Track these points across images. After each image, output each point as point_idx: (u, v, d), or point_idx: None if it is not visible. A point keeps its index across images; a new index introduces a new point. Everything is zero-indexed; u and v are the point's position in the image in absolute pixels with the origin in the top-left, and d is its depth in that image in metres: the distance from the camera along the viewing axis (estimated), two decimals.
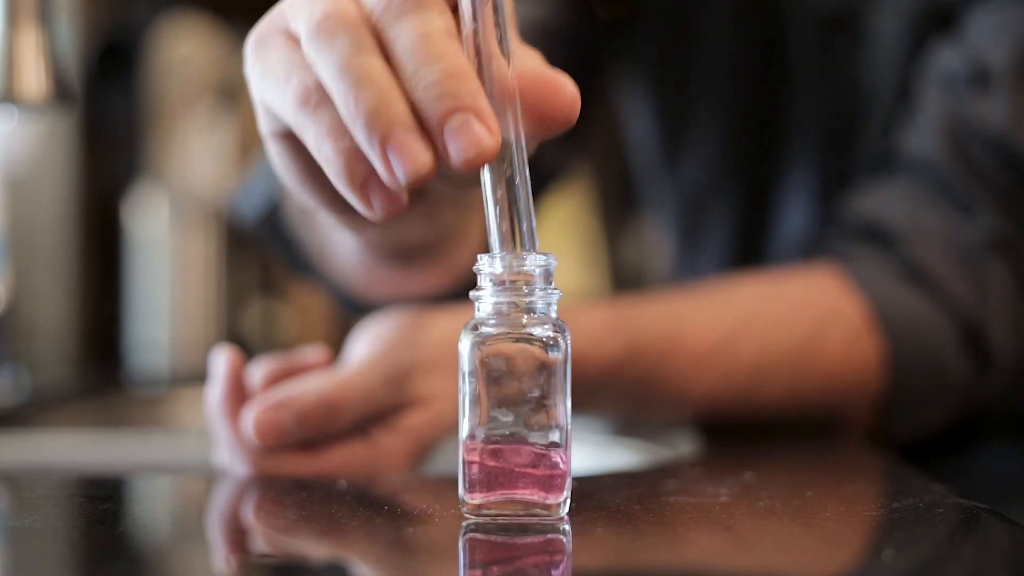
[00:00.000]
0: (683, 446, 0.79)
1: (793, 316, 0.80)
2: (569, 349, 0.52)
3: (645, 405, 0.79)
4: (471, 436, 0.52)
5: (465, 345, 0.52)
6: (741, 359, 0.79)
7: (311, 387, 0.66)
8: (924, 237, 0.82)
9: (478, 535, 0.51)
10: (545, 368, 0.51)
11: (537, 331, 0.51)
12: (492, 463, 0.51)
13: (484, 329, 0.52)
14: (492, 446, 0.51)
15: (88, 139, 1.71)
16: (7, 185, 1.52)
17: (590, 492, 0.60)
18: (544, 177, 0.94)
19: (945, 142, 0.83)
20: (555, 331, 0.52)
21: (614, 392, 0.77)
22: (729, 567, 0.49)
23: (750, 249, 1.00)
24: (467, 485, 0.52)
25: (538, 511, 0.51)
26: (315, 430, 0.66)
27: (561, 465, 0.52)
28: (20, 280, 1.50)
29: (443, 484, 0.68)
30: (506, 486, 0.51)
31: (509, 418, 0.51)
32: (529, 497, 0.51)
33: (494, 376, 0.51)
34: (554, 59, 0.98)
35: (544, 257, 0.52)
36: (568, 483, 0.52)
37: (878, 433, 0.82)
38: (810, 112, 0.96)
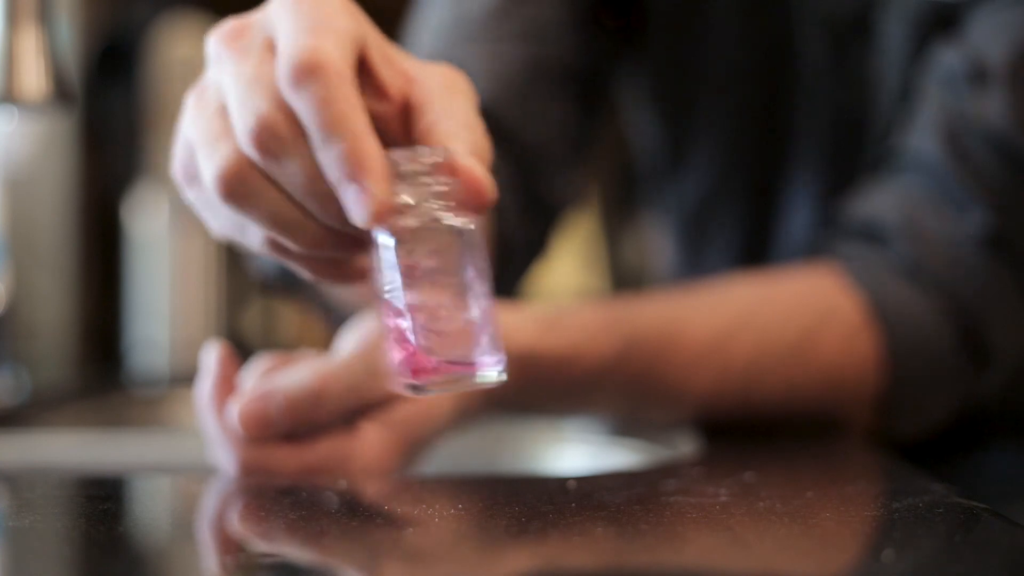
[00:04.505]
0: (683, 446, 0.79)
1: (790, 313, 0.81)
2: (479, 227, 0.55)
3: (642, 403, 0.79)
4: (398, 325, 0.54)
5: (382, 238, 0.54)
6: (738, 356, 0.79)
7: (296, 377, 0.66)
8: (921, 235, 0.82)
9: (477, 537, 0.51)
10: (461, 248, 0.54)
11: (448, 215, 0.54)
12: (424, 347, 0.53)
13: (400, 220, 0.54)
14: (421, 331, 0.53)
15: (88, 139, 1.71)
16: (7, 185, 1.52)
17: (590, 492, 0.60)
18: (559, 205, 0.95)
19: (944, 140, 0.83)
20: (463, 212, 0.54)
21: (611, 390, 0.77)
22: (729, 567, 0.49)
23: (755, 255, 1.00)
24: (404, 372, 0.54)
25: (476, 380, 0.54)
26: (300, 420, 0.66)
27: (488, 334, 0.54)
28: (20, 280, 1.50)
29: (440, 485, 0.68)
30: (442, 365, 0.54)
31: (433, 301, 0.54)
32: (464, 370, 0.54)
33: (412, 263, 0.54)
34: (558, 98, 0.97)
35: (436, 149, 0.55)
36: (500, 350, 0.54)
37: (878, 433, 0.82)
38: (817, 117, 0.96)
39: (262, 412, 0.65)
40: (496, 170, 0.87)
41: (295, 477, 0.65)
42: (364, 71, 0.57)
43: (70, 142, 1.68)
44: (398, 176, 0.54)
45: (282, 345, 1.73)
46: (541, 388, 0.74)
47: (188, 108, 0.58)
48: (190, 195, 0.59)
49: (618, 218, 2.22)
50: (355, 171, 0.53)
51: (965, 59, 0.83)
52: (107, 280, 1.73)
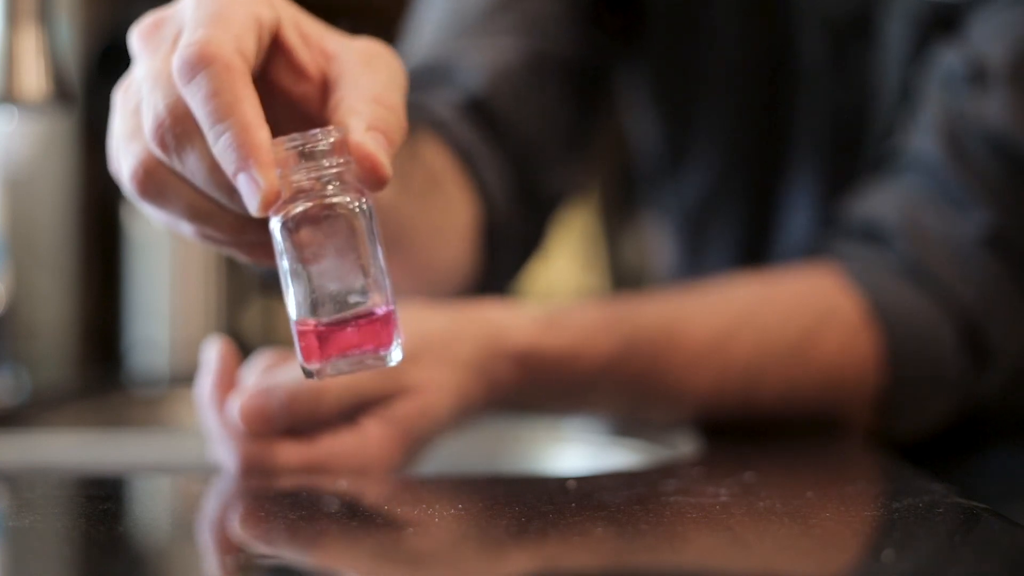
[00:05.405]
0: (683, 446, 0.79)
1: (790, 313, 0.81)
2: (373, 208, 0.54)
3: (642, 402, 0.79)
4: (299, 309, 0.54)
5: (275, 224, 0.53)
6: (738, 356, 0.79)
7: (297, 373, 0.66)
8: (921, 235, 0.82)
9: (477, 537, 0.51)
10: (354, 230, 0.54)
11: (340, 198, 0.54)
12: (324, 329, 0.54)
13: (292, 205, 0.53)
14: (321, 314, 0.54)
15: (88, 139, 1.71)
16: (7, 185, 1.52)
17: (590, 492, 0.60)
18: (554, 199, 0.94)
19: (944, 140, 0.83)
20: (356, 194, 0.54)
21: (611, 390, 0.77)
22: (729, 567, 0.49)
23: (755, 255, 1.00)
24: (305, 354, 0.54)
25: (374, 362, 0.54)
26: (301, 415, 0.66)
27: (386, 315, 0.54)
28: (20, 280, 1.50)
29: (440, 485, 0.68)
30: (341, 347, 0.54)
31: (331, 284, 0.54)
32: (364, 352, 0.54)
33: (308, 248, 0.54)
34: (556, 92, 0.96)
35: (330, 130, 0.54)
36: (397, 331, 0.55)
37: (878, 432, 0.82)
38: (817, 117, 0.96)
39: (263, 407, 0.65)
40: (491, 162, 0.88)
41: (296, 473, 0.65)
42: (281, 53, 0.57)
43: (70, 142, 1.68)
44: (300, 158, 0.54)
45: (282, 345, 1.73)
46: (541, 387, 0.74)
47: (116, 105, 0.58)
48: (126, 191, 0.60)
49: (618, 218, 2.22)
50: (241, 161, 0.52)
51: (965, 59, 0.83)
52: (107, 280, 1.73)
